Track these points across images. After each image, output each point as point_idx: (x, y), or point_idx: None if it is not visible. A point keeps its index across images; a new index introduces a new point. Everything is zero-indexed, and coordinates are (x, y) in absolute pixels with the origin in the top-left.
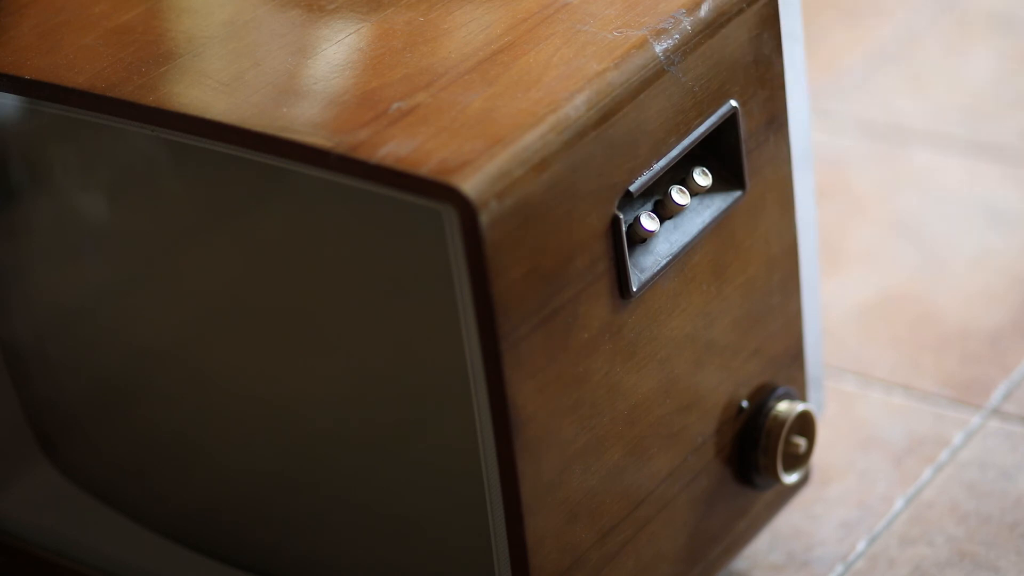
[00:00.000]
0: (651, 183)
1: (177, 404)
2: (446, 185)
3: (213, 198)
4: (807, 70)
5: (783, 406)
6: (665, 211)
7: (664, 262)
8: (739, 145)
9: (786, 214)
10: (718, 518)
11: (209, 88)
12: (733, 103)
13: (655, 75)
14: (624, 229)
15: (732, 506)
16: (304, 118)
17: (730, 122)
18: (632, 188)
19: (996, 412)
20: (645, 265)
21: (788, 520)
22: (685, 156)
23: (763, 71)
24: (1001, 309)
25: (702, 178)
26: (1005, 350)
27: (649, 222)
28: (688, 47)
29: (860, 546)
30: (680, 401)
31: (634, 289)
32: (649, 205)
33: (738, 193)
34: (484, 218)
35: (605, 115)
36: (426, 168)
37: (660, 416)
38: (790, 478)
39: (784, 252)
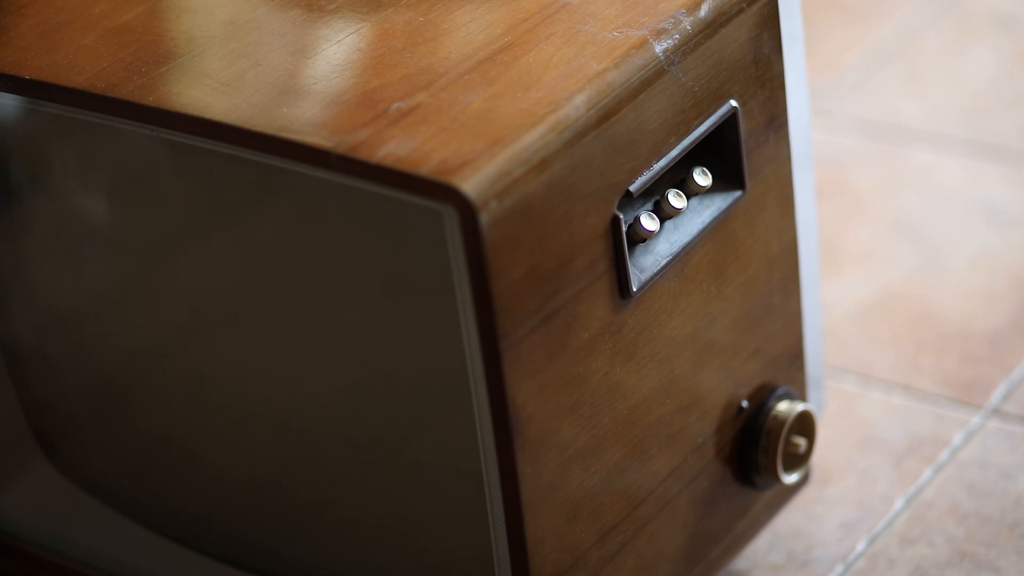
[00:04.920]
0: (651, 183)
1: (177, 404)
2: (446, 185)
3: (213, 198)
4: (807, 70)
5: (783, 406)
6: (664, 212)
7: (664, 262)
8: (739, 145)
9: (786, 214)
10: (718, 518)
11: (209, 88)
12: (733, 103)
13: (655, 75)
14: (624, 229)
15: (732, 506)
16: (304, 118)
17: (730, 122)
18: (632, 188)
19: (996, 412)
20: (645, 265)
21: (788, 520)
22: (685, 156)
23: (763, 71)
24: (1001, 309)
25: (702, 178)
26: (1005, 350)
27: (649, 222)
28: (688, 47)
29: (860, 546)
30: (680, 401)
31: (634, 289)
32: (649, 205)
33: (738, 193)
34: (484, 218)
35: (605, 115)
36: (426, 168)
37: (660, 416)
38: (790, 478)
39: (784, 252)
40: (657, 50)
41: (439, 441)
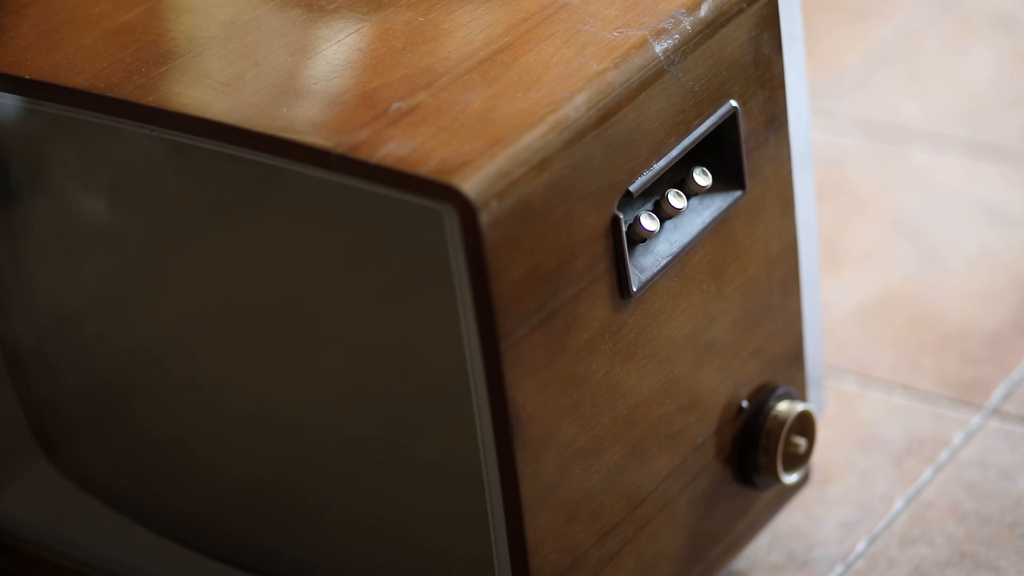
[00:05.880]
0: (651, 183)
1: (177, 405)
2: (446, 185)
3: (213, 198)
4: (807, 70)
5: (783, 406)
6: (664, 212)
7: (664, 262)
8: (739, 145)
9: (786, 214)
10: (718, 518)
11: (209, 88)
12: (733, 103)
13: (655, 75)
14: (624, 229)
15: (732, 506)
16: (304, 118)
17: (730, 122)
18: (632, 188)
19: (996, 412)
20: (645, 265)
21: (788, 520)
22: (685, 156)
23: (763, 71)
24: (1001, 309)
25: (702, 178)
26: (1005, 350)
27: (649, 222)
28: (688, 47)
29: (860, 546)
30: (680, 401)
31: (634, 289)
32: (649, 205)
33: (738, 193)
34: (484, 218)
35: (605, 115)
36: (426, 168)
37: (660, 416)
38: (790, 478)
39: (784, 252)
40: (657, 50)
41: (439, 441)
